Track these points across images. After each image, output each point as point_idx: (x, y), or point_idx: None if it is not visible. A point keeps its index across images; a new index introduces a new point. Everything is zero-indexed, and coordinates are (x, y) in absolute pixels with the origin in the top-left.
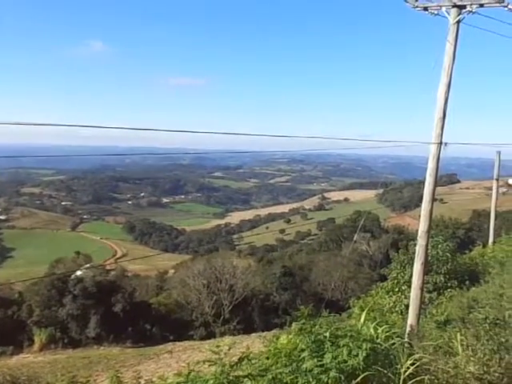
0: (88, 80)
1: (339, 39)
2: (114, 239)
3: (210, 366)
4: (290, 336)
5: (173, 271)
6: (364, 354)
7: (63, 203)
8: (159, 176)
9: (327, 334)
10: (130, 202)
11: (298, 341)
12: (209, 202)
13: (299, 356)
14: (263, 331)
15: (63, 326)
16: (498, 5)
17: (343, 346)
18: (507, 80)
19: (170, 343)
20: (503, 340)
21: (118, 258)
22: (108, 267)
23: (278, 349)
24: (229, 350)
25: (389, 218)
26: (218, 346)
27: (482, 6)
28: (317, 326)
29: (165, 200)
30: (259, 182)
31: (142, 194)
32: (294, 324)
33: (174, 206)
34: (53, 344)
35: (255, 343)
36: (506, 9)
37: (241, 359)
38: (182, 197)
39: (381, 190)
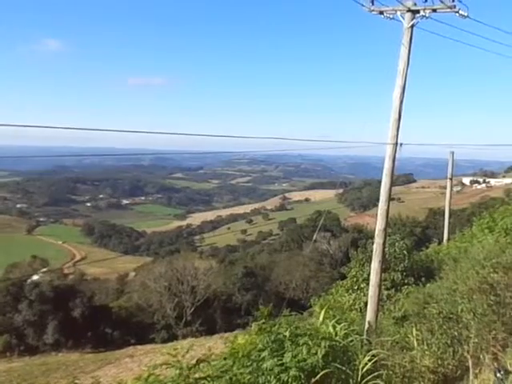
0: (44, 79)
1: (302, 40)
2: (72, 242)
3: (167, 368)
4: (248, 336)
5: (133, 274)
6: (323, 352)
7: (18, 205)
8: (118, 177)
9: (287, 333)
10: (88, 204)
11: (257, 341)
12: (170, 204)
13: (259, 356)
14: (225, 332)
15: (19, 332)
16: (449, 10)
17: (303, 344)
18: (461, 82)
19: (131, 347)
20: (456, 334)
21: (76, 262)
22: (66, 271)
23: (236, 349)
24: (187, 352)
25: (348, 217)
26: (175, 349)
27: (434, 11)
28: (277, 326)
29: (124, 201)
30: (220, 183)
31: (101, 196)
32: (253, 324)
33: (134, 207)
34: (8, 352)
35: (218, 344)
36: (457, 14)
37: (199, 361)
38: (143, 198)
39: (341, 190)
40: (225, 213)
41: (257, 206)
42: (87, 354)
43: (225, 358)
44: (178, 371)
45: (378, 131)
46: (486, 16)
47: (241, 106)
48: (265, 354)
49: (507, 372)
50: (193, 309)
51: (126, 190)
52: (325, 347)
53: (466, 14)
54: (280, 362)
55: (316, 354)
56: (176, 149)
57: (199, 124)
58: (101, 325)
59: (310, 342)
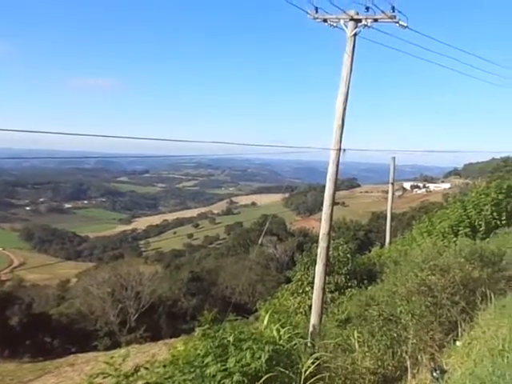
0: None
1: (261, 48)
2: (10, 247)
3: (104, 378)
4: (191, 342)
5: (75, 280)
6: (266, 356)
7: None
8: (60, 180)
9: (231, 338)
10: (28, 208)
11: (200, 346)
12: (114, 208)
13: (202, 362)
14: (171, 338)
15: None
16: (390, 20)
17: (247, 349)
18: (404, 90)
19: (72, 355)
20: (395, 335)
21: (14, 268)
22: (3, 277)
23: (176, 356)
24: (123, 360)
25: (294, 221)
26: (112, 357)
27: (376, 20)
28: (221, 331)
29: (66, 205)
30: (166, 187)
31: (42, 200)
32: (197, 329)
33: (76, 211)
34: None
35: (162, 350)
36: (398, 25)
37: (137, 368)
38: (86, 202)
39: (287, 194)
40: (171, 217)
41: (203, 210)
42: (25, 364)
43: (164, 366)
44: (115, 380)
45: (327, 136)
46: (428, 28)
47: (189, 110)
48: (208, 359)
49: (443, 371)
50: (137, 315)
51: (68, 194)
52: (268, 351)
53: (405, 25)
54: (223, 368)
55: (260, 358)
56: (121, 152)
57: (144, 127)
58: (40, 333)
59: (253, 347)
